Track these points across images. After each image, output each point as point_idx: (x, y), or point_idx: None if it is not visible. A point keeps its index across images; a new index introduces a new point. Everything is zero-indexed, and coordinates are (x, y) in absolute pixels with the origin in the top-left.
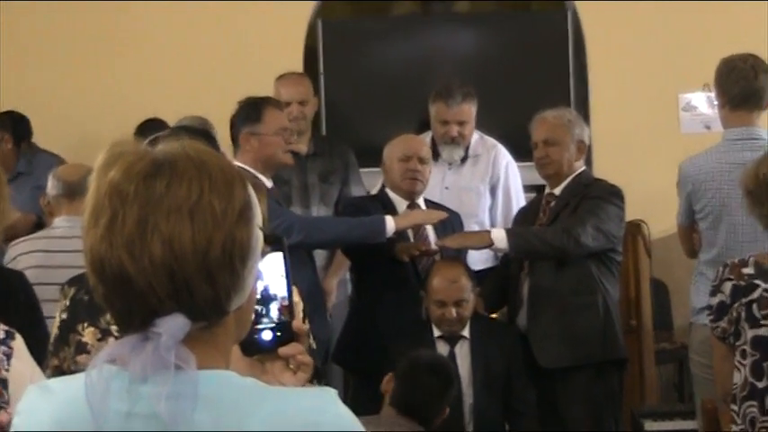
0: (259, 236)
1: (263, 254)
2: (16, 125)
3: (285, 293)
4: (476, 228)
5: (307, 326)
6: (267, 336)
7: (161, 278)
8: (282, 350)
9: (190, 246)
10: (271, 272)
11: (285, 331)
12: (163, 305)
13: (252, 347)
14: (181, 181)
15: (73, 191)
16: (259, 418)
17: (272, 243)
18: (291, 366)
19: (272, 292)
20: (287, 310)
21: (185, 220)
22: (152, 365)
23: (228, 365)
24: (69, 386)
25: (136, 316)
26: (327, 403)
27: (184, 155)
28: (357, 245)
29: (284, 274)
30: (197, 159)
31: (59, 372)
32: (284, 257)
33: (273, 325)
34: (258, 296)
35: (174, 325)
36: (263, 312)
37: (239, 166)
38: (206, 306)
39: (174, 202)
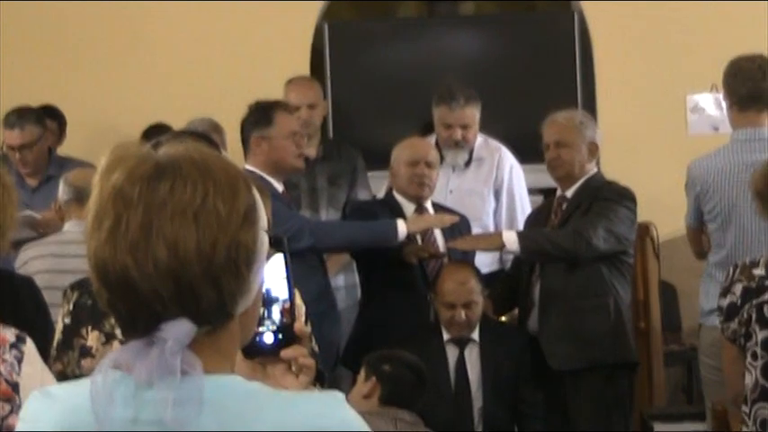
0: (264, 239)
1: (268, 257)
2: (62, 122)
3: (287, 296)
4: (480, 231)
5: (308, 328)
6: (269, 338)
7: (166, 283)
8: (284, 353)
9: (194, 250)
10: (272, 274)
11: (287, 334)
12: (167, 310)
13: (253, 350)
14: (185, 184)
15: (83, 196)
16: (265, 423)
17: (273, 245)
18: (293, 369)
19: (273, 294)
20: (288, 312)
21: (190, 224)
22: (157, 371)
23: (234, 369)
24: (73, 392)
25: (140, 321)
26: (334, 408)
27: (188, 157)
28: (366, 248)
29: (285, 277)
30: (201, 162)
31: (63, 376)
32: (285, 259)
33: (275, 328)
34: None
35: (179, 330)
36: (265, 315)
37: (249, 170)
38: (211, 310)
39: (178, 205)
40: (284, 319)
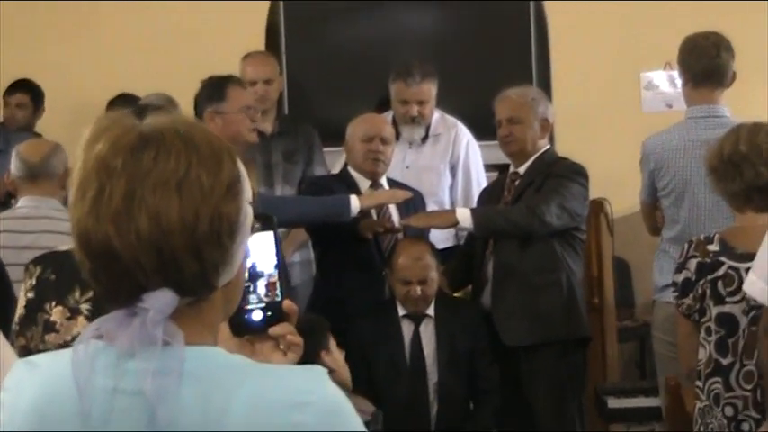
0: (248, 211)
1: (254, 230)
2: (36, 96)
3: (273, 270)
4: (435, 207)
5: (296, 307)
6: (257, 316)
7: (148, 253)
8: (273, 330)
9: (177, 220)
10: (259, 249)
11: (275, 311)
12: (150, 280)
13: (242, 327)
14: (168, 154)
15: (34, 174)
16: (246, 395)
17: (262, 222)
18: (281, 347)
19: (259, 269)
20: (274, 287)
21: (173, 194)
22: (139, 341)
23: (216, 342)
24: (56, 361)
25: (123, 291)
26: (316, 381)
27: (172, 128)
28: (321, 224)
29: (275, 253)
30: (185, 133)
31: (26, 351)
32: (275, 236)
33: (264, 305)
34: (246, 273)
35: (161, 300)
36: (251, 289)
37: None
38: (194, 281)
39: (161, 175)
40: (270, 294)
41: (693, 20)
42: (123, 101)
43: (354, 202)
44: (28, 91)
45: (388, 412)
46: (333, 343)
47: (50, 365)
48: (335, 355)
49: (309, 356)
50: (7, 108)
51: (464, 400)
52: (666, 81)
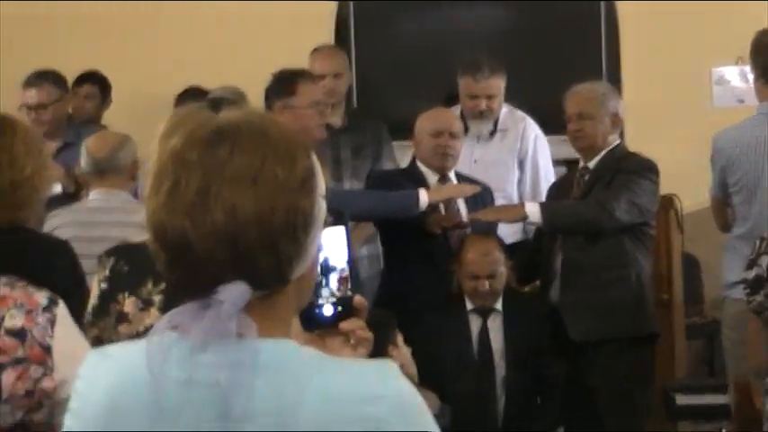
0: (322, 205)
1: (326, 224)
2: (104, 87)
3: (345, 265)
4: (503, 202)
5: (366, 302)
6: (328, 311)
7: (223, 246)
8: (343, 325)
9: (252, 213)
10: (331, 243)
11: (346, 306)
12: (224, 273)
13: (312, 322)
14: (244, 148)
15: (101, 168)
16: (319, 388)
17: (335, 217)
18: (351, 342)
19: (331, 263)
20: (346, 281)
21: (248, 188)
22: (212, 333)
23: (289, 335)
24: (130, 352)
25: (197, 283)
26: (388, 376)
27: (247, 122)
28: (389, 218)
29: (346, 247)
30: (260, 127)
31: (99, 341)
32: (346, 230)
33: (335, 300)
34: (318, 268)
35: (235, 292)
36: (323, 283)
37: None
38: (268, 274)
39: (236, 169)
40: (341, 288)
41: (765, 15)
42: (192, 94)
43: (423, 197)
44: (96, 82)
45: (455, 407)
46: (400, 338)
47: (124, 356)
48: (403, 350)
49: (377, 351)
50: (76, 99)
51: (531, 395)
52: (738, 76)
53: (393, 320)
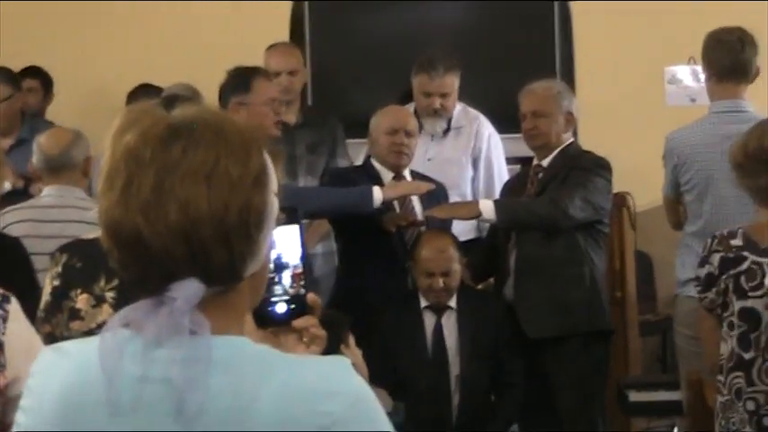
0: (274, 202)
1: (278, 221)
2: (47, 82)
3: (298, 262)
4: (458, 199)
5: (320, 300)
6: (281, 308)
7: (177, 242)
8: (296, 322)
9: (206, 210)
10: (284, 240)
11: (299, 304)
12: (178, 269)
13: (266, 319)
14: (197, 145)
15: (54, 166)
16: (275, 384)
17: (287, 214)
18: (304, 339)
19: (284, 260)
20: (299, 278)
21: (201, 185)
22: (166, 330)
23: (242, 332)
24: (84, 349)
25: (151, 280)
26: (342, 371)
27: (201, 119)
28: (343, 215)
29: (300, 244)
30: (214, 124)
31: (52, 338)
32: (300, 228)
33: (288, 297)
34: (271, 264)
35: (189, 289)
36: (276, 280)
37: None
38: (221, 271)
39: (190, 166)
40: (295, 286)
41: (717, 14)
42: (144, 92)
43: (377, 194)
44: (37, 76)
45: (410, 404)
46: (352, 339)
47: (79, 353)
48: (355, 351)
49: (330, 351)
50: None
51: (486, 392)
52: (690, 75)
53: (346, 321)
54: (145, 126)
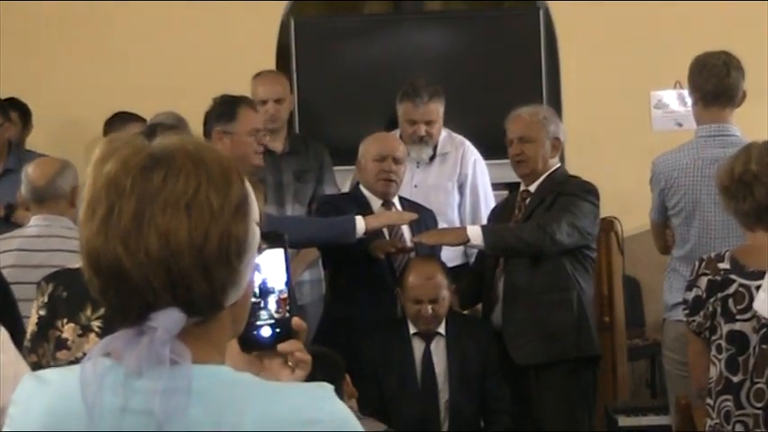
0: (255, 231)
1: (261, 250)
2: (26, 114)
3: (284, 287)
4: (444, 226)
5: (305, 324)
6: (266, 332)
7: (157, 272)
8: (281, 347)
9: (186, 240)
10: (269, 265)
11: (284, 328)
12: (158, 299)
13: (251, 344)
14: (178, 175)
15: (41, 196)
16: (255, 414)
17: (273, 240)
18: (290, 363)
19: (270, 285)
20: (284, 303)
21: (182, 215)
22: (147, 360)
23: (224, 360)
24: (66, 378)
25: (131, 310)
26: (324, 399)
27: (182, 149)
28: (327, 245)
29: (285, 269)
30: (194, 153)
31: (38, 368)
32: (285, 252)
33: (273, 321)
34: (256, 289)
35: (169, 319)
36: (262, 305)
37: None
38: (202, 300)
39: (170, 195)
40: (280, 310)
41: (703, 39)
42: (120, 119)
43: (360, 223)
44: (15, 108)
45: (399, 431)
46: (348, 382)
47: (60, 381)
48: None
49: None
50: None
51: (475, 418)
52: (676, 100)
53: (342, 365)
54: (126, 155)
